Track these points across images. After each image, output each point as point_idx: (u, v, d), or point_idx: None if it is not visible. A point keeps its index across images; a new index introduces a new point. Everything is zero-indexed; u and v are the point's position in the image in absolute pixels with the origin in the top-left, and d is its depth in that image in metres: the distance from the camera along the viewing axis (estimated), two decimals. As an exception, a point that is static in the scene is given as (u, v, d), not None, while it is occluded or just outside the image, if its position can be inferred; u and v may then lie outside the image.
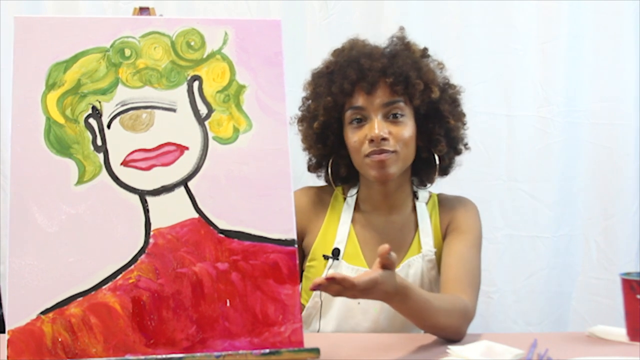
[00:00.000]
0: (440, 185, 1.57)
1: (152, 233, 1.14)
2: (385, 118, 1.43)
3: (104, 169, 1.14)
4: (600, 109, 2.03)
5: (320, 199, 1.55)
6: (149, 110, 1.17)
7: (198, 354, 1.09)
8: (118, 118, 1.16)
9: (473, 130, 1.57)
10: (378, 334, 1.42)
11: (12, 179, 1.12)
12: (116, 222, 1.13)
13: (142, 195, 1.14)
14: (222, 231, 1.15)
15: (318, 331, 1.47)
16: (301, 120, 1.53)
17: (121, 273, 1.12)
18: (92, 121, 1.15)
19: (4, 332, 1.09)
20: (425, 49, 1.52)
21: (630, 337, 1.28)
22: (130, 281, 1.11)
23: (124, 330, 1.10)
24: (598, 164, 2.04)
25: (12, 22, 1.16)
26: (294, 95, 1.43)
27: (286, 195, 1.17)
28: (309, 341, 1.13)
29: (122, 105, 1.16)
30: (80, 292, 1.10)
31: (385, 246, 1.12)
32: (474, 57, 2.00)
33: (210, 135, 1.17)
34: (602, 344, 1.27)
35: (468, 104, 1.57)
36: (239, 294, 1.13)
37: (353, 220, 1.52)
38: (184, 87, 1.18)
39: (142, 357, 1.09)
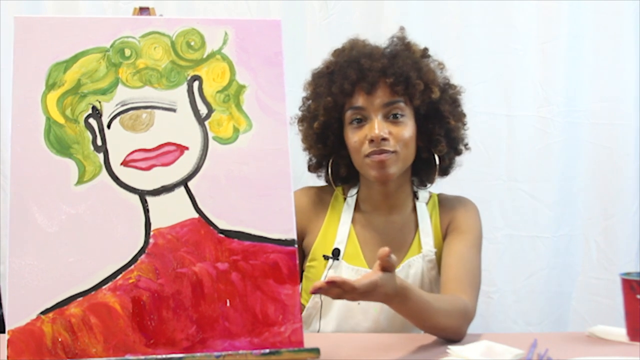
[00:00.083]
0: (441, 185, 1.57)
1: (152, 233, 1.14)
2: (385, 118, 1.43)
3: (104, 169, 1.14)
4: (600, 109, 2.03)
5: (320, 199, 1.55)
6: (149, 110, 1.17)
7: (198, 354, 1.09)
8: (118, 118, 1.16)
9: (473, 130, 1.57)
10: (378, 334, 1.42)
11: (12, 179, 1.12)
12: (116, 222, 1.13)
13: (142, 195, 1.14)
14: (222, 231, 1.15)
15: (318, 331, 1.47)
16: (301, 120, 1.53)
17: (121, 273, 1.12)
18: (92, 121, 1.15)
19: (4, 332, 1.09)
20: (426, 49, 1.52)
21: (630, 337, 1.28)
22: (130, 281, 1.11)
23: (124, 330, 1.10)
24: (598, 164, 2.04)
25: (12, 22, 1.16)
26: (294, 95, 1.43)
27: (286, 195, 1.17)
28: (309, 341, 1.13)
29: (122, 105, 1.16)
30: (80, 292, 1.10)
31: (385, 249, 1.11)
32: (474, 57, 2.00)
33: (210, 135, 1.17)
34: (602, 344, 1.27)
35: (468, 104, 1.57)
36: (239, 294, 1.13)
37: (353, 221, 1.52)
38: (184, 87, 1.18)
39: (142, 357, 1.09)
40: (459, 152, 1.53)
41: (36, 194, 1.12)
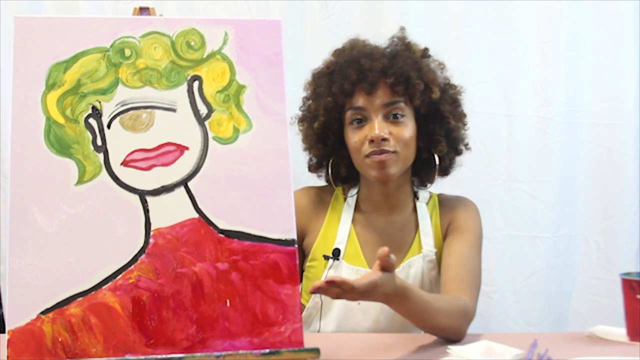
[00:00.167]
0: (441, 186, 1.57)
1: (152, 233, 1.14)
2: (385, 118, 1.43)
3: (104, 169, 1.14)
4: (600, 109, 2.03)
5: (320, 199, 1.55)
6: (149, 110, 1.17)
7: (198, 354, 1.09)
8: (118, 118, 1.16)
9: (473, 130, 1.57)
10: (378, 334, 1.42)
11: (12, 179, 1.12)
12: (116, 222, 1.13)
13: (142, 195, 1.14)
14: (222, 231, 1.15)
15: (318, 331, 1.47)
16: (302, 120, 1.53)
17: (121, 273, 1.12)
18: (92, 121, 1.15)
19: (4, 332, 1.09)
20: (426, 49, 1.52)
21: (630, 337, 1.28)
22: (130, 281, 1.11)
23: (124, 330, 1.10)
24: (598, 164, 2.04)
25: (12, 22, 1.16)
26: (294, 95, 1.43)
27: (286, 195, 1.17)
28: (309, 341, 1.13)
29: (122, 105, 1.16)
30: (80, 292, 1.10)
31: (385, 249, 1.11)
32: (474, 57, 2.00)
33: (210, 135, 1.17)
34: (602, 344, 1.27)
35: (468, 104, 1.57)
36: (239, 294, 1.13)
37: (353, 221, 1.52)
38: (184, 87, 1.18)
39: (142, 357, 1.09)
40: (459, 152, 1.53)
41: (36, 194, 1.12)
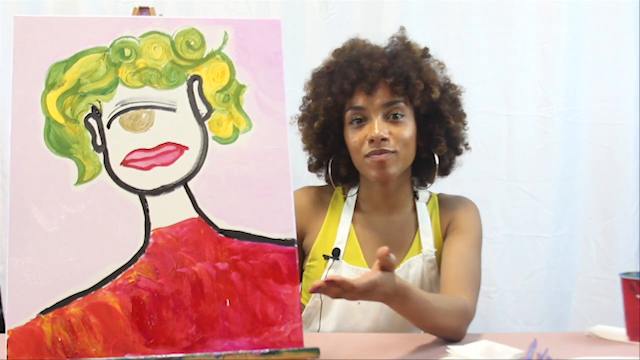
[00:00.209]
0: (441, 186, 1.57)
1: (152, 233, 1.14)
2: (385, 118, 1.43)
3: (104, 169, 1.14)
4: (600, 109, 2.03)
5: (320, 199, 1.55)
6: (149, 110, 1.17)
7: (198, 354, 1.09)
8: (118, 118, 1.16)
9: (473, 131, 1.57)
10: (378, 334, 1.42)
11: (12, 179, 1.12)
12: (116, 222, 1.13)
13: (142, 195, 1.14)
14: (222, 231, 1.15)
15: (318, 331, 1.47)
16: (302, 120, 1.53)
17: (121, 273, 1.12)
18: (92, 121, 1.15)
19: (4, 332, 1.09)
20: (426, 49, 1.52)
21: (630, 337, 1.28)
22: (130, 281, 1.11)
23: (124, 330, 1.10)
24: (598, 164, 2.04)
25: (12, 22, 1.16)
26: (294, 95, 1.43)
27: (286, 195, 1.17)
28: (309, 341, 1.13)
29: (122, 105, 1.16)
30: (80, 292, 1.10)
31: (385, 248, 1.11)
32: (474, 57, 2.00)
33: (210, 135, 1.17)
34: (602, 344, 1.27)
35: (468, 104, 1.57)
36: (239, 294, 1.13)
37: (353, 221, 1.52)
38: (184, 87, 1.18)
39: (142, 357, 1.09)
40: (459, 152, 1.53)
41: (36, 194, 1.12)
